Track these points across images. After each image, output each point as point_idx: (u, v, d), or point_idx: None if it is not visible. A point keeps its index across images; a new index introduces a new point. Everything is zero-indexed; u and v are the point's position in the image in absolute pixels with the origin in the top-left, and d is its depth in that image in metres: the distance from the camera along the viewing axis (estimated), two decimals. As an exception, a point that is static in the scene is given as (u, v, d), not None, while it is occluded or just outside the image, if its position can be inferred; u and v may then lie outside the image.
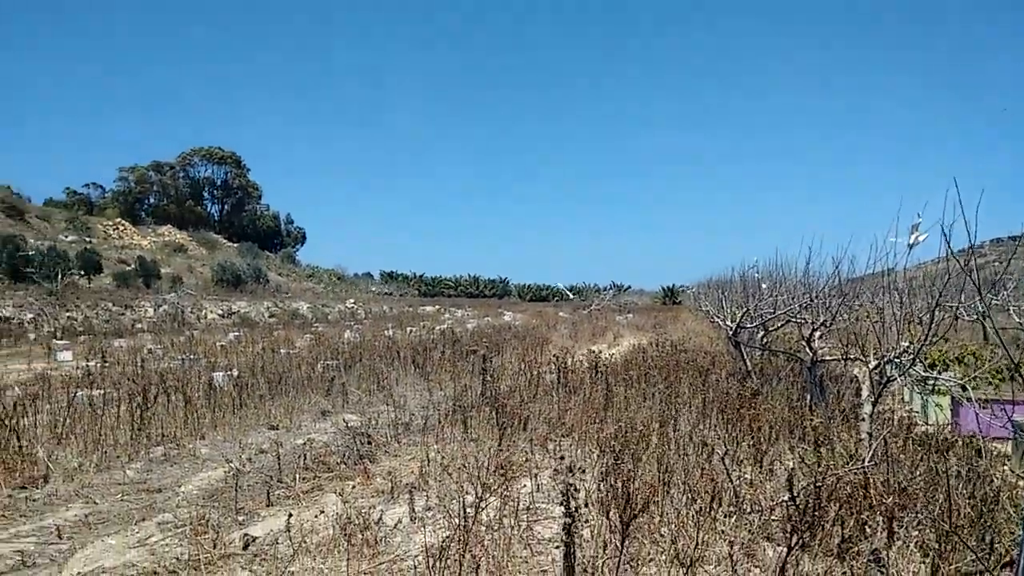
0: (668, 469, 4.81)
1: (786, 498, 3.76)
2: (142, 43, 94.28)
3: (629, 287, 59.07)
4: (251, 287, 36.02)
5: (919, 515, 4.00)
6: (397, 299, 47.82)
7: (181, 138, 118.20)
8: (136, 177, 52.09)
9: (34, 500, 5.17)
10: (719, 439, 5.85)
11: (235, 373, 9.62)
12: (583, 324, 24.97)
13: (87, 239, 34.52)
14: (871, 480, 4.12)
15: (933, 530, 3.80)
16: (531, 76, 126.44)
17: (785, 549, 3.44)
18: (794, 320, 8.51)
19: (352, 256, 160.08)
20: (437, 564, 3.40)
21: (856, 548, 3.66)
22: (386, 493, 5.16)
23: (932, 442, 5.61)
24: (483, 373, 8.69)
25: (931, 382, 7.21)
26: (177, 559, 4.01)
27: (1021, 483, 4.93)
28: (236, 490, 5.09)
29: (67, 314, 22.24)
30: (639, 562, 3.71)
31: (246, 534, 4.31)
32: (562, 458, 4.48)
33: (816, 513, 3.54)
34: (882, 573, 3.48)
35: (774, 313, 9.05)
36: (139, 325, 22.50)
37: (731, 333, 10.20)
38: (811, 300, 7.35)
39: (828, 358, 7.45)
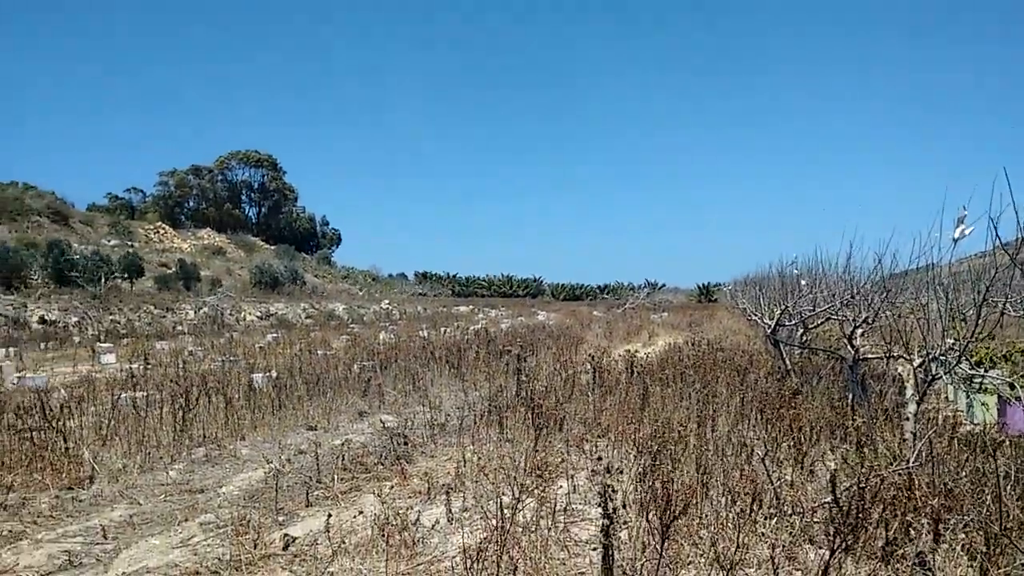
0: (707, 470, 4.76)
1: (828, 499, 3.70)
2: (177, 48, 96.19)
3: (663, 285, 58.72)
4: (288, 289, 36.49)
5: (966, 517, 3.90)
6: (431, 299, 48.06)
7: (220, 141, 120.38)
8: (176, 181, 53.12)
9: (80, 501, 5.28)
10: (758, 439, 5.76)
11: (274, 374, 9.74)
12: (617, 323, 24.84)
13: (129, 243, 35.28)
14: (916, 481, 4.03)
15: (981, 533, 3.70)
16: (567, 73, 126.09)
17: (828, 552, 3.37)
18: (835, 317, 8.36)
19: (386, 257, 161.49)
20: (475, 565, 3.40)
21: (901, 551, 3.58)
22: (423, 494, 5.18)
23: (978, 442, 5.46)
24: (518, 373, 8.68)
25: (977, 380, 7.03)
26: (219, 559, 4.07)
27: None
28: (276, 490, 5.15)
29: (110, 317, 22.76)
30: (678, 564, 3.66)
31: (286, 534, 4.36)
32: (599, 459, 4.45)
33: (859, 515, 3.47)
34: (929, 577, 3.40)
35: (814, 310, 8.90)
36: (180, 327, 22.92)
37: (769, 331, 10.06)
38: (852, 296, 7.21)
39: (870, 356, 7.30)
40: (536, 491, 4.31)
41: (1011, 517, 3.77)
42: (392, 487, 5.40)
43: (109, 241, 34.27)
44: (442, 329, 20.47)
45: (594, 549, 3.92)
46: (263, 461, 6.20)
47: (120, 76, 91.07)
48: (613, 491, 3.36)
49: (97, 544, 4.43)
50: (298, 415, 8.05)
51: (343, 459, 6.08)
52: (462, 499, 4.95)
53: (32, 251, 25.86)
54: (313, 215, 60.93)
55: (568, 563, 3.89)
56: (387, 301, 40.74)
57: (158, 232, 41.25)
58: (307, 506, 5.07)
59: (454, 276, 63.76)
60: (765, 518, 4.12)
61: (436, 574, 3.81)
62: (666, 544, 3.41)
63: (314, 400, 8.57)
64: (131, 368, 10.32)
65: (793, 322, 9.70)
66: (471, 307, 40.63)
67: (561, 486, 5.07)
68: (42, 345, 16.39)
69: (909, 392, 5.27)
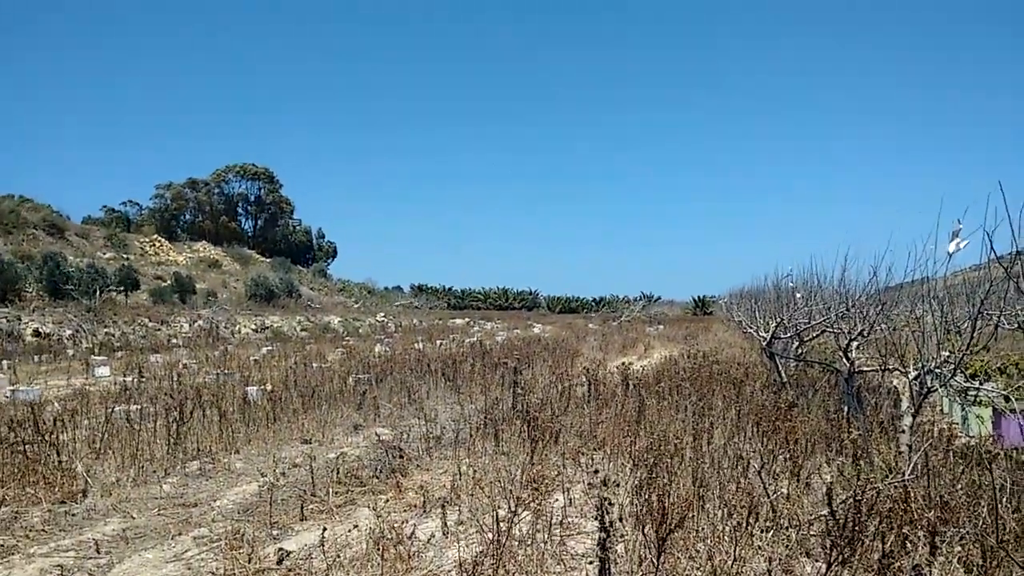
0: (703, 483, 4.75)
1: (825, 512, 3.69)
2: (174, 59, 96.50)
3: (659, 298, 58.79)
4: (283, 302, 36.40)
5: (962, 530, 3.89)
6: (427, 312, 48.00)
7: (217, 154, 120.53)
8: (172, 194, 53.05)
9: (73, 515, 5.25)
10: (754, 452, 5.76)
11: (268, 387, 9.71)
12: (613, 336, 24.85)
13: (124, 256, 35.19)
14: (912, 494, 4.02)
15: (977, 545, 3.70)
16: (564, 85, 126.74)
17: (824, 565, 3.37)
18: (830, 330, 8.37)
19: (382, 270, 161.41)
20: (470, 579, 3.39)
21: (897, 564, 3.57)
22: (418, 507, 5.16)
23: (974, 454, 5.47)
24: (514, 386, 8.67)
25: (972, 393, 7.03)
26: (213, 573, 4.05)
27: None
28: (270, 504, 5.13)
29: (105, 330, 22.67)
30: (675, 578, 3.65)
31: (280, 548, 4.34)
32: (596, 472, 4.45)
33: (856, 528, 3.46)
34: (926, 590, 3.39)
35: (809, 323, 8.91)
36: (175, 340, 22.85)
37: (765, 344, 10.06)
38: (848, 309, 7.22)
39: (866, 368, 7.31)
40: (532, 504, 4.30)
41: (1007, 529, 3.78)
42: (387, 500, 5.38)
43: (104, 254, 34.18)
44: (438, 342, 20.45)
45: (590, 563, 3.91)
46: (257, 475, 6.17)
47: (118, 89, 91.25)
48: (610, 504, 3.36)
49: (90, 558, 4.40)
50: (293, 428, 8.02)
51: (338, 472, 6.06)
52: (458, 512, 4.94)
53: (27, 264, 25.78)
54: (309, 228, 60.88)
55: (564, 577, 3.88)
56: (383, 314, 40.68)
57: (154, 245, 41.16)
58: (301, 520, 5.04)
59: (450, 289, 63.70)
60: (761, 531, 4.12)
61: (431, 588, 3.79)
62: (662, 557, 3.40)
63: (309, 413, 8.54)
64: (125, 381, 10.29)
65: (788, 335, 9.71)
66: (467, 320, 40.62)
67: (557, 499, 5.06)
68: (36, 358, 16.31)
69: (904, 405, 5.27)
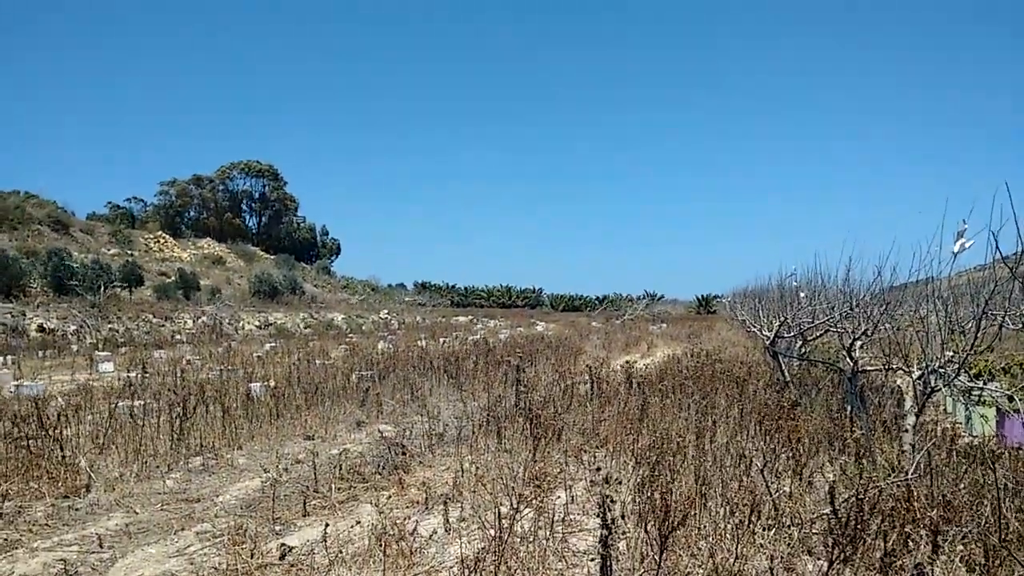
0: (705, 481, 4.75)
1: (827, 511, 3.69)
2: (178, 56, 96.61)
3: (662, 296, 58.64)
4: (287, 298, 36.45)
5: (964, 529, 3.89)
6: (430, 309, 48.02)
7: (222, 151, 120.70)
8: (177, 191, 53.19)
9: (76, 509, 5.26)
10: (757, 451, 5.76)
11: (272, 384, 9.72)
12: (616, 334, 24.82)
13: (129, 252, 35.26)
14: (914, 493, 4.02)
15: (980, 544, 3.69)
16: (560, 86, 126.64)
17: (826, 563, 3.36)
18: (834, 329, 8.36)
19: (386, 267, 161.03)
20: (472, 575, 3.39)
21: (899, 563, 3.56)
22: (421, 504, 5.17)
23: (977, 454, 5.46)
24: (516, 383, 8.66)
25: (976, 393, 7.03)
26: (215, 569, 4.06)
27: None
28: (273, 500, 5.14)
29: (109, 326, 22.73)
30: (677, 575, 3.65)
31: (283, 544, 4.34)
32: (598, 469, 4.45)
33: (858, 526, 3.46)
34: (928, 589, 3.38)
35: (813, 322, 8.89)
36: (179, 336, 22.88)
37: (768, 343, 10.05)
38: (852, 309, 7.20)
39: (869, 368, 7.30)
40: (534, 501, 4.30)
41: (1010, 529, 3.77)
42: (390, 497, 5.39)
43: (109, 250, 34.25)
44: (441, 339, 20.44)
45: (592, 560, 3.91)
46: (260, 470, 6.18)
47: (119, 89, 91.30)
48: (612, 501, 3.36)
49: (93, 553, 4.41)
50: (296, 425, 8.03)
51: (340, 469, 6.07)
52: (460, 509, 4.94)
53: (32, 259, 25.85)
54: (313, 225, 61.01)
55: (566, 574, 3.88)
56: (386, 311, 40.71)
57: (158, 241, 41.23)
58: (304, 516, 5.05)
59: (453, 286, 63.70)
60: (764, 529, 4.12)
61: (433, 584, 3.79)
62: (664, 555, 3.40)
63: (312, 410, 8.55)
64: (129, 377, 10.31)
65: (792, 334, 9.69)
66: (470, 317, 40.59)
67: (559, 496, 5.06)
68: (40, 353, 16.34)
69: (908, 404, 5.26)
